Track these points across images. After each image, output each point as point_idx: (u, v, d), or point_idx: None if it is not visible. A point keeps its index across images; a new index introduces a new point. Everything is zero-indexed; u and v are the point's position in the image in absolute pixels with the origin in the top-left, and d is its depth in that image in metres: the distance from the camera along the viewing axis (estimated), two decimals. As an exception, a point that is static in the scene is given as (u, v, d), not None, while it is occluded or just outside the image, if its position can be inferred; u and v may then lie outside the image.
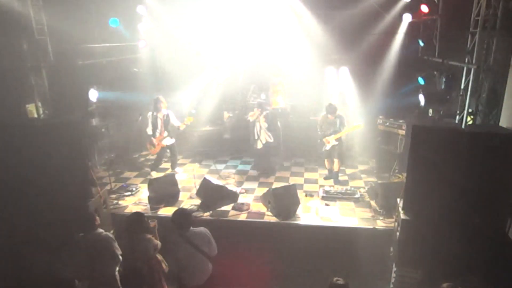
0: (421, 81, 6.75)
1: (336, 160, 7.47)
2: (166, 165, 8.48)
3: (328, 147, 7.32)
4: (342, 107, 8.55)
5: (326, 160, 7.69)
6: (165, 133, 7.78)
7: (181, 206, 6.57)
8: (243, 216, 6.25)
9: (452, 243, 4.66)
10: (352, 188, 6.99)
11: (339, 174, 7.67)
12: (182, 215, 4.23)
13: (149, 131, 7.76)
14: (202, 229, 4.22)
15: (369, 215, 6.15)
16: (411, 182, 4.88)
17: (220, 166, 8.38)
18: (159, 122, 7.70)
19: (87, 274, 4.42)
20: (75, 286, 3.23)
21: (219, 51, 10.53)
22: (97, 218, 4.57)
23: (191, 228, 4.16)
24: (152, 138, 7.79)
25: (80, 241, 4.39)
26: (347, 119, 8.40)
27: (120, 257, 4.45)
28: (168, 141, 7.90)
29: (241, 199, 6.77)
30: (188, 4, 9.42)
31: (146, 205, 6.65)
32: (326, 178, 7.76)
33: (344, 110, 8.52)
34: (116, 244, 4.45)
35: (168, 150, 8.13)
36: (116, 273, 4.49)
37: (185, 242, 4.04)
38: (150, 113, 7.73)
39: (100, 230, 4.46)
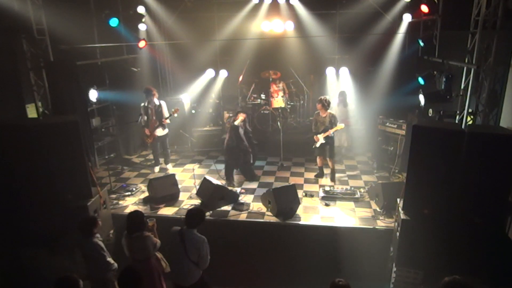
0: (421, 81, 6.74)
1: (328, 160, 7.47)
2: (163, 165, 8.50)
3: (317, 144, 7.33)
4: (342, 107, 8.58)
5: (317, 158, 7.66)
6: (156, 123, 7.80)
7: (181, 206, 6.59)
8: (243, 216, 6.24)
9: (452, 243, 4.66)
10: (352, 188, 6.98)
11: (336, 174, 7.64)
12: (197, 213, 4.20)
13: (142, 122, 7.82)
14: (201, 238, 4.11)
15: (369, 215, 6.15)
16: (411, 182, 4.88)
17: (220, 166, 8.36)
18: (151, 112, 7.75)
19: (84, 274, 4.44)
20: (79, 286, 3.22)
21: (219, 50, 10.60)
22: (100, 223, 4.54)
23: (194, 231, 4.11)
24: (145, 128, 7.84)
25: (76, 242, 4.43)
26: (347, 119, 8.44)
27: (113, 265, 4.46)
28: (160, 131, 7.92)
29: (241, 199, 6.77)
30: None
31: (146, 205, 6.65)
32: (316, 176, 7.77)
33: (344, 110, 8.54)
34: (106, 253, 4.42)
35: (159, 143, 8.15)
36: (111, 277, 4.49)
37: (179, 240, 4.04)
38: (142, 104, 7.80)
39: (95, 236, 4.42)
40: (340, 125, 7.06)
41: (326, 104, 7.14)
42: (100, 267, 4.40)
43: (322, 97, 7.23)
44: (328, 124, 7.12)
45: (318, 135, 7.25)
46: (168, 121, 7.89)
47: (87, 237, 4.37)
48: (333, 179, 7.52)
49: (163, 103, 7.87)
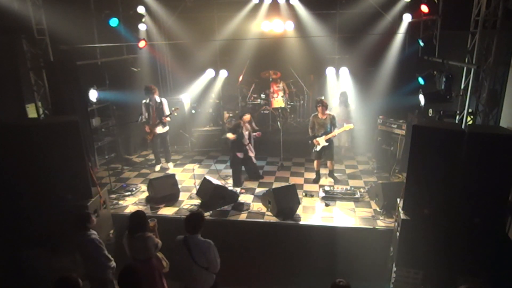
0: (421, 81, 6.74)
1: (328, 162, 7.43)
2: (164, 164, 8.50)
3: (318, 148, 7.23)
4: (343, 107, 8.57)
5: (315, 162, 7.49)
6: (157, 121, 7.83)
7: (181, 206, 6.59)
8: (243, 216, 6.24)
9: (452, 243, 4.67)
10: (352, 188, 6.98)
11: (336, 174, 7.65)
12: (195, 217, 4.11)
13: (143, 118, 7.86)
14: (206, 242, 4.02)
15: (369, 215, 6.15)
16: (411, 182, 4.89)
17: (220, 166, 8.38)
18: (151, 110, 7.78)
19: (84, 274, 4.43)
20: (79, 286, 3.22)
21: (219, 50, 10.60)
22: (94, 219, 4.53)
23: (198, 236, 4.03)
24: (146, 125, 7.89)
25: (73, 240, 4.42)
26: (348, 119, 8.43)
27: (112, 263, 4.46)
28: (159, 129, 7.94)
29: (241, 199, 6.77)
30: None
31: (146, 205, 6.65)
32: (315, 181, 7.55)
33: (345, 110, 8.54)
34: (103, 248, 4.42)
35: (160, 140, 8.17)
36: (110, 276, 4.48)
37: (184, 247, 3.96)
38: (144, 101, 7.84)
39: (91, 232, 4.42)
40: (349, 125, 7.00)
41: (326, 105, 7.09)
42: (99, 264, 4.38)
43: (321, 98, 7.18)
44: (329, 126, 7.06)
45: (318, 139, 7.13)
46: (168, 119, 7.91)
47: (82, 233, 4.36)
48: (334, 178, 7.50)
49: (164, 101, 7.91)
